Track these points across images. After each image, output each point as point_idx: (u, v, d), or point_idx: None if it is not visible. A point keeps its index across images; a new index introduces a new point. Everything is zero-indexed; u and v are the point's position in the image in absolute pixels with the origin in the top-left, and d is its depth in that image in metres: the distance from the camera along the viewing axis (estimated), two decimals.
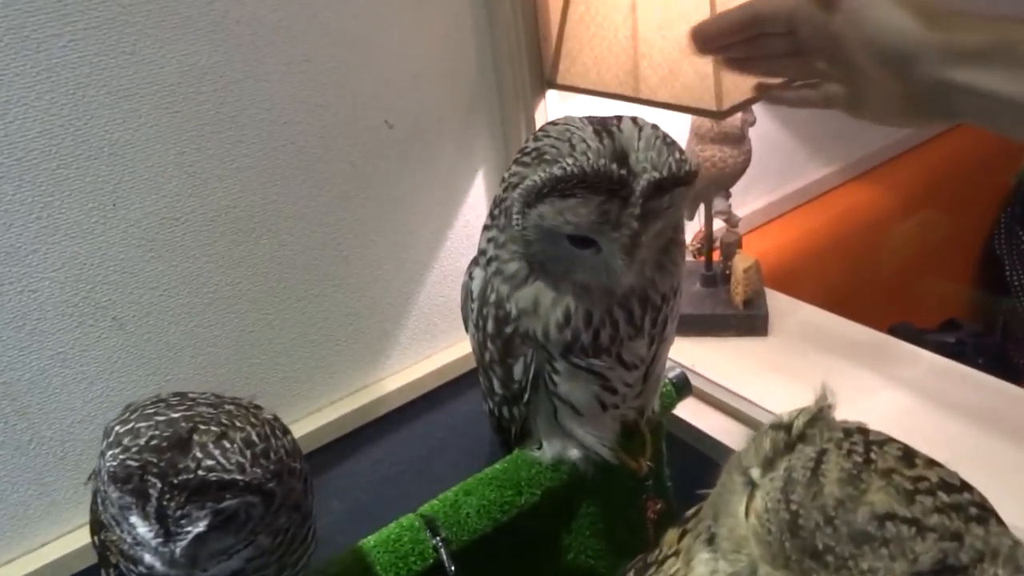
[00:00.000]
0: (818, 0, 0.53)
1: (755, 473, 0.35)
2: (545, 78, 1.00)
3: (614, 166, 0.53)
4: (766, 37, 0.57)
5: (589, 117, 0.58)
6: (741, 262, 1.11)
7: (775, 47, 0.57)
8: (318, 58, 0.86)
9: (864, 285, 1.45)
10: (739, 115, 1.07)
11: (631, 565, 0.47)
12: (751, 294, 1.11)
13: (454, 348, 1.10)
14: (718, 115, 0.83)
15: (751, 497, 0.34)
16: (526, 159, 0.58)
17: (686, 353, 1.04)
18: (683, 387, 0.86)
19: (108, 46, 0.74)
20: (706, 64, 0.80)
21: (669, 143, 0.56)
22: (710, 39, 0.59)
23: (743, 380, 0.99)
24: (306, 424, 1.00)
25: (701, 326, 1.10)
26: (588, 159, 0.54)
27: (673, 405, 0.86)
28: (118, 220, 0.80)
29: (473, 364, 0.77)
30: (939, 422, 0.91)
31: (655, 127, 0.57)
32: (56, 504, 0.85)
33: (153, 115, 0.79)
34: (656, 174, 0.53)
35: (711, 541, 0.37)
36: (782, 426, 0.36)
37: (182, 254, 0.85)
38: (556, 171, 0.54)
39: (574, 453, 0.73)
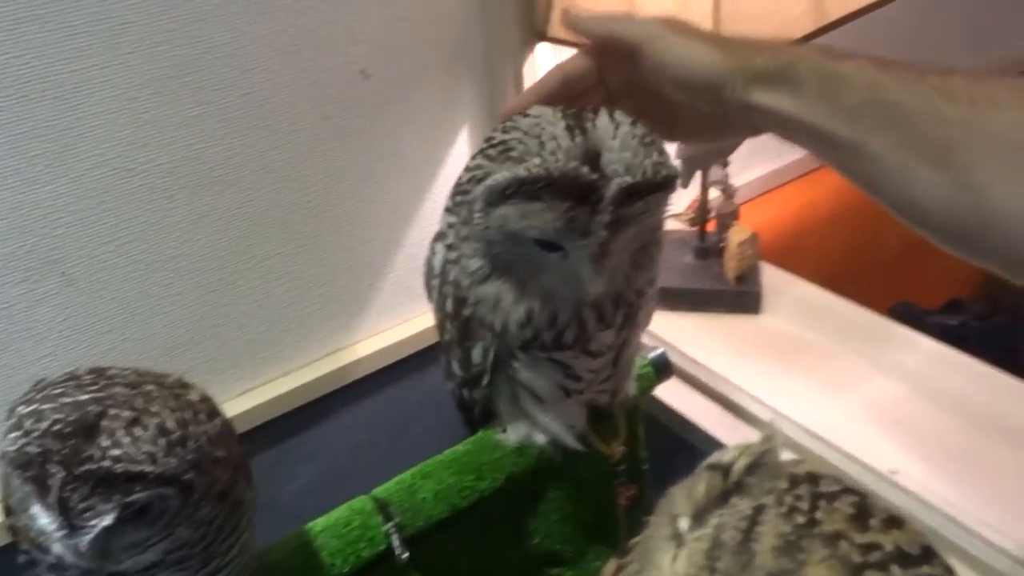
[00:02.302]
0: (622, 54, 0.55)
1: (683, 524, 0.30)
2: (536, 29, 0.93)
3: (584, 169, 0.48)
4: (579, 95, 0.58)
5: (565, 108, 0.53)
6: (736, 235, 1.05)
7: (589, 100, 0.58)
8: None
9: (867, 261, 1.39)
10: None
11: None
12: (745, 269, 1.05)
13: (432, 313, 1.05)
14: None
15: (676, 555, 0.29)
16: (491, 152, 0.52)
17: (671, 330, 0.99)
18: (663, 368, 0.81)
19: None
20: (705, 18, 0.74)
21: (647, 143, 0.50)
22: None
23: (729, 361, 0.94)
24: (276, 387, 0.97)
25: (690, 301, 1.04)
26: (556, 160, 0.48)
27: (652, 387, 0.81)
28: (66, 169, 0.75)
29: None
30: (934, 415, 0.86)
31: (635, 123, 0.51)
32: None
33: (104, 55, 0.73)
34: (628, 179, 0.48)
35: None
36: (720, 467, 0.30)
37: (138, 207, 0.80)
38: (521, 172, 0.49)
39: (540, 438, 0.69)
